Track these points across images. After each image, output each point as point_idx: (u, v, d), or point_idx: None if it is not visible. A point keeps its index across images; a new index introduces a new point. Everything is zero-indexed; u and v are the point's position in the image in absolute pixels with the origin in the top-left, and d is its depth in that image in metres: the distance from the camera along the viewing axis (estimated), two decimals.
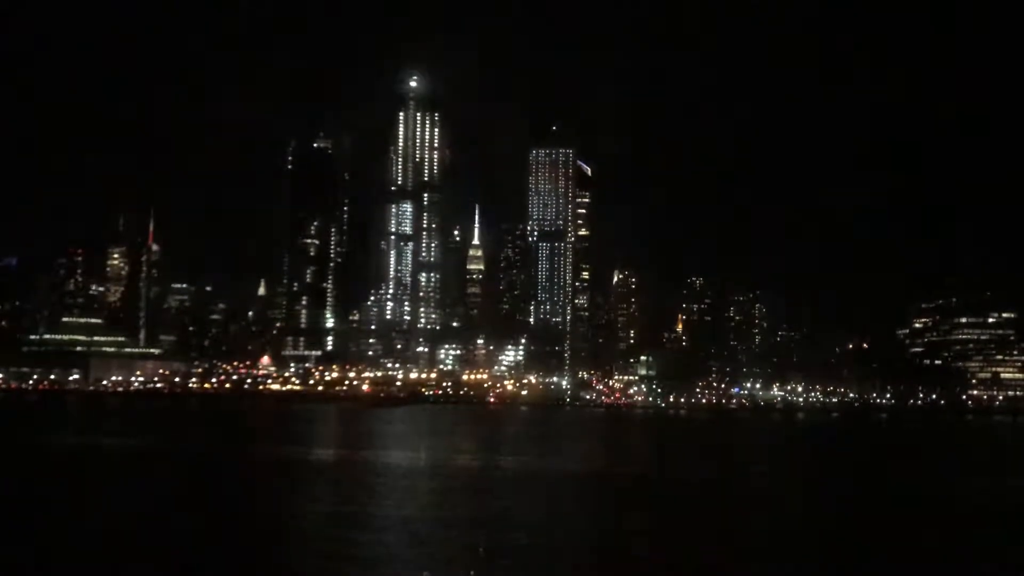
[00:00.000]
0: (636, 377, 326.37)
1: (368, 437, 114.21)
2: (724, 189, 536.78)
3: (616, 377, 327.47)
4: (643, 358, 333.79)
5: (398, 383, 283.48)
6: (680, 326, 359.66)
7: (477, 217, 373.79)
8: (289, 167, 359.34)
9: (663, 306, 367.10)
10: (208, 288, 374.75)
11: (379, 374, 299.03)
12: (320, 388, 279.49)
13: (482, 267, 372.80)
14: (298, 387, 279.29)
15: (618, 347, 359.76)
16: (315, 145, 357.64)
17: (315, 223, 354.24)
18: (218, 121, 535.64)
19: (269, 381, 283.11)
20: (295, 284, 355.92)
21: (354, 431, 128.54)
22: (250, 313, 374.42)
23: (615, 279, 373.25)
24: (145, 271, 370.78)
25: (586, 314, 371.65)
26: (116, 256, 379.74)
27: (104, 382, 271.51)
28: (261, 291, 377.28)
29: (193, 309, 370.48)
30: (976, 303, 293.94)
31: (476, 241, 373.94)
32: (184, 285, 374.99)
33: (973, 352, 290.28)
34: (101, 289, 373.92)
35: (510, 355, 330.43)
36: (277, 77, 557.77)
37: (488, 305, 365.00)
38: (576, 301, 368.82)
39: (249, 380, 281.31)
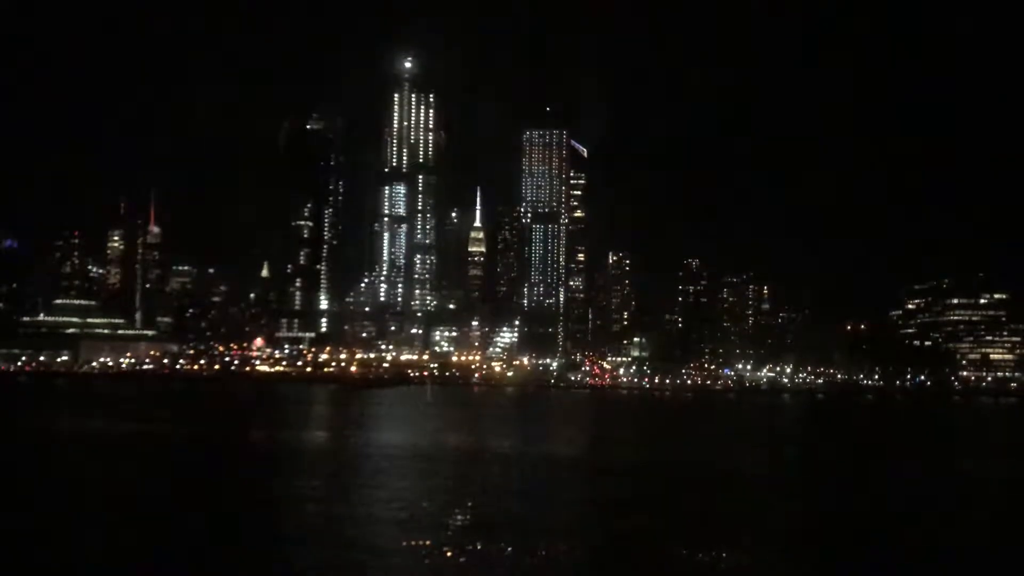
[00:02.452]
0: (629, 359, 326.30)
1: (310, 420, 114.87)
2: (721, 171, 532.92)
3: (609, 358, 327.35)
4: (635, 339, 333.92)
5: (385, 364, 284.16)
6: (676, 307, 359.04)
7: (479, 199, 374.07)
8: (282, 149, 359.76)
9: (658, 288, 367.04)
10: (211, 270, 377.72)
11: (371, 355, 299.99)
12: (308, 369, 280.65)
13: (484, 249, 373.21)
14: (285, 368, 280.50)
15: (611, 329, 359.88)
16: (308, 127, 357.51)
17: (308, 205, 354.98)
18: (214, 102, 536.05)
19: (257, 363, 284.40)
20: (289, 266, 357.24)
21: (304, 413, 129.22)
22: (252, 295, 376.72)
23: (609, 260, 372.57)
24: (141, 253, 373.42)
25: (581, 295, 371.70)
26: (116, 238, 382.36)
27: (93, 364, 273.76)
28: (265, 273, 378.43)
29: (195, 291, 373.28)
30: (968, 284, 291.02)
31: (478, 223, 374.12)
32: (187, 267, 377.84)
33: (964, 333, 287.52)
34: (102, 271, 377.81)
35: (505, 337, 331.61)
36: (272, 58, 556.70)
37: (486, 287, 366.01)
38: (571, 283, 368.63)
39: (236, 362, 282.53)
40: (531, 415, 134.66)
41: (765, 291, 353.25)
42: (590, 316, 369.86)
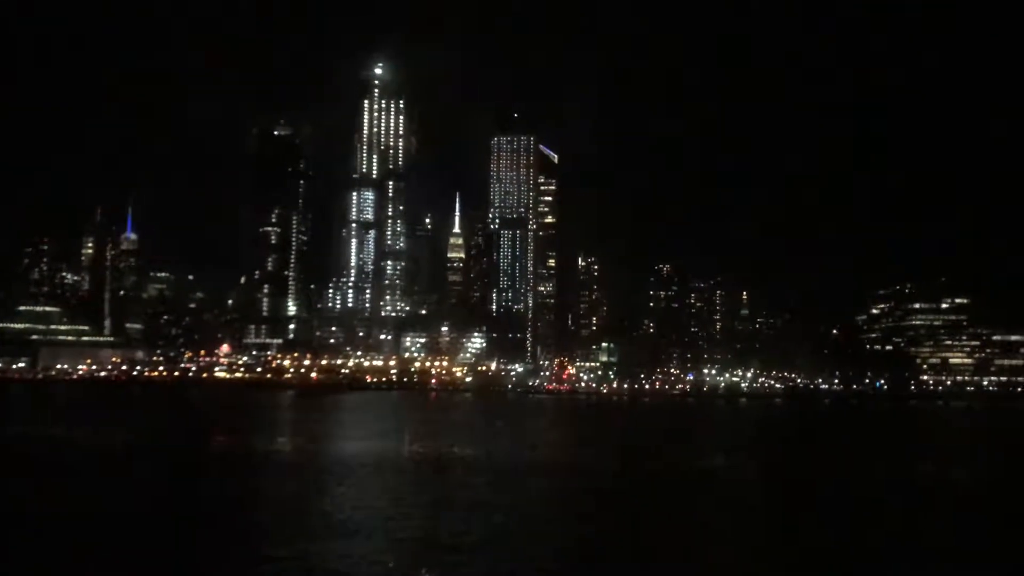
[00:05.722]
0: (598, 364, 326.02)
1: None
2: (693, 178, 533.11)
3: (578, 364, 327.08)
4: (603, 345, 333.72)
5: (344, 371, 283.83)
6: (647, 313, 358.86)
7: (458, 205, 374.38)
8: (250, 155, 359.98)
9: (628, 293, 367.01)
10: (190, 277, 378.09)
11: (334, 361, 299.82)
12: (267, 376, 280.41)
13: (463, 255, 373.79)
14: (244, 375, 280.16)
15: (580, 334, 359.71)
16: (275, 133, 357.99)
17: (276, 211, 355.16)
18: (186, 109, 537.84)
19: (217, 369, 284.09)
20: (256, 272, 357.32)
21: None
22: (229, 302, 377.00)
23: (580, 265, 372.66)
24: (110, 260, 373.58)
25: (551, 301, 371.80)
26: (90, 245, 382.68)
27: (51, 371, 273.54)
28: (244, 280, 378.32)
29: (171, 298, 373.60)
30: (930, 289, 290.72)
31: (457, 229, 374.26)
32: (164, 274, 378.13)
33: (924, 338, 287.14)
34: (76, 278, 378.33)
35: (476, 342, 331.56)
36: (241, 64, 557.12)
37: (461, 292, 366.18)
38: (540, 288, 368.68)
39: (195, 368, 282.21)
40: (459, 419, 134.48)
41: (745, 296, 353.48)
42: (568, 321, 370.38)
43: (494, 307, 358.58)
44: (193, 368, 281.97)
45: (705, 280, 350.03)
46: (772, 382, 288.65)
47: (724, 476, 61.73)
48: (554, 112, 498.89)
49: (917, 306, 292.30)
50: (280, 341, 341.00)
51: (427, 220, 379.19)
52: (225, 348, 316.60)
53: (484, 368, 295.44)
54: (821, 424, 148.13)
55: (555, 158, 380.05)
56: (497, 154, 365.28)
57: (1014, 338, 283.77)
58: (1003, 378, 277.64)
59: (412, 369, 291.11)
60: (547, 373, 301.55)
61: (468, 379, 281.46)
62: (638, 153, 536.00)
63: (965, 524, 43.31)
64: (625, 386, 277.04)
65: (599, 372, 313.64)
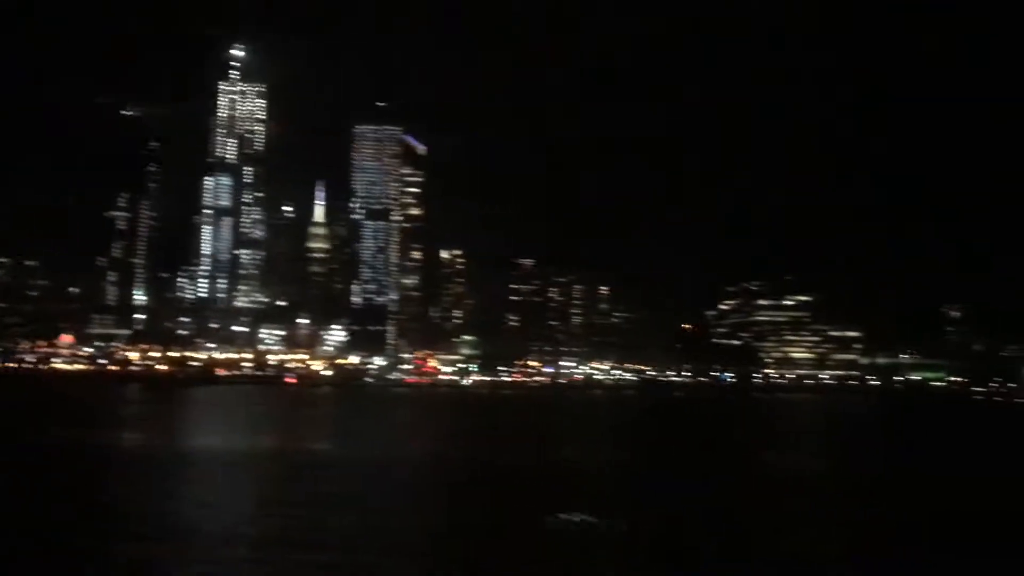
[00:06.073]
0: (460, 357, 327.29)
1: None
2: (558, 174, 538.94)
3: (440, 357, 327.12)
4: (466, 338, 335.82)
5: (195, 363, 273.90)
6: (510, 307, 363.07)
7: (320, 194, 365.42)
8: (97, 136, 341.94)
9: (492, 287, 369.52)
10: (30, 263, 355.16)
11: (189, 353, 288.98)
12: (113, 368, 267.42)
13: (325, 245, 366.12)
14: (86, 367, 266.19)
15: (444, 327, 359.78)
16: (124, 113, 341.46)
17: (125, 195, 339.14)
18: (34, 87, 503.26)
19: (57, 360, 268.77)
20: (103, 259, 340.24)
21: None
22: (73, 289, 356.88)
23: (444, 258, 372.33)
24: None
25: (416, 294, 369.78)
26: None
27: None
28: (89, 266, 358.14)
29: (9, 285, 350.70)
30: (776, 287, 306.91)
31: (319, 218, 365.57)
32: (6, 259, 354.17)
33: (769, 333, 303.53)
34: None
35: (336, 335, 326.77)
36: (92, 39, 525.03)
37: (322, 284, 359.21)
38: (404, 281, 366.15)
39: (33, 359, 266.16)
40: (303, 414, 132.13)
41: (603, 291, 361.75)
42: (431, 314, 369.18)
43: (357, 299, 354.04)
44: (32, 359, 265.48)
45: (566, 275, 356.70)
46: (626, 374, 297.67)
47: (576, 467, 63.02)
48: (430, 104, 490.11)
49: (762, 303, 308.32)
50: (127, 332, 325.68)
51: (287, 208, 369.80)
52: (67, 338, 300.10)
53: (344, 361, 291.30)
54: (669, 414, 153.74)
55: (422, 149, 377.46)
56: (360, 143, 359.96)
57: (850, 334, 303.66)
58: (839, 372, 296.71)
59: (268, 362, 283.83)
60: (409, 366, 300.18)
61: (327, 373, 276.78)
62: (516, 148, 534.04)
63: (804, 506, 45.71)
64: (486, 379, 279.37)
65: (461, 365, 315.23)
